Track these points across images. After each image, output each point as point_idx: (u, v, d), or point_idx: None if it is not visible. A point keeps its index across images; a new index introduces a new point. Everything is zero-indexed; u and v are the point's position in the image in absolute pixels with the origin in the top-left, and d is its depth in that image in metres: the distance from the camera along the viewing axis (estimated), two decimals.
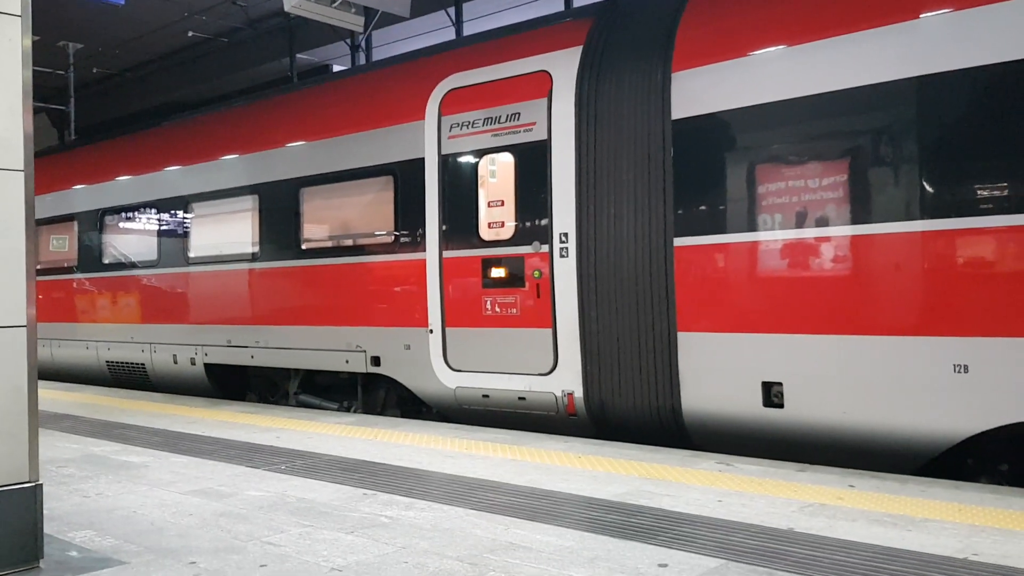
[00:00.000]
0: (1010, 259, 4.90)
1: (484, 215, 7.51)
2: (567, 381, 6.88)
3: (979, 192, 5.00)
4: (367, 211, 8.43)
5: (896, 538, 3.82)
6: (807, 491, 4.72)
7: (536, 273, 7.04)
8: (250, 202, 9.53)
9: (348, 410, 8.83)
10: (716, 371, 6.05)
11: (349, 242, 8.57)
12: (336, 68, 21.26)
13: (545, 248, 7.00)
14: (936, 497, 4.52)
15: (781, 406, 5.75)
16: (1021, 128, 4.87)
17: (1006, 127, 4.92)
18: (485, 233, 7.46)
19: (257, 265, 9.40)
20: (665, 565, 3.56)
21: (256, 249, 9.41)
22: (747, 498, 4.61)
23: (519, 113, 7.27)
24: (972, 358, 4.96)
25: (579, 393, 6.81)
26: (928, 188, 5.18)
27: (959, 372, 5.01)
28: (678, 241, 6.23)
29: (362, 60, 19.70)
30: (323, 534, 4.14)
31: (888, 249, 5.29)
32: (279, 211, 9.17)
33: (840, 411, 5.48)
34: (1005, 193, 4.92)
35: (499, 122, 7.40)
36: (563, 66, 7.04)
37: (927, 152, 5.19)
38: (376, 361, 8.16)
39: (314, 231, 8.94)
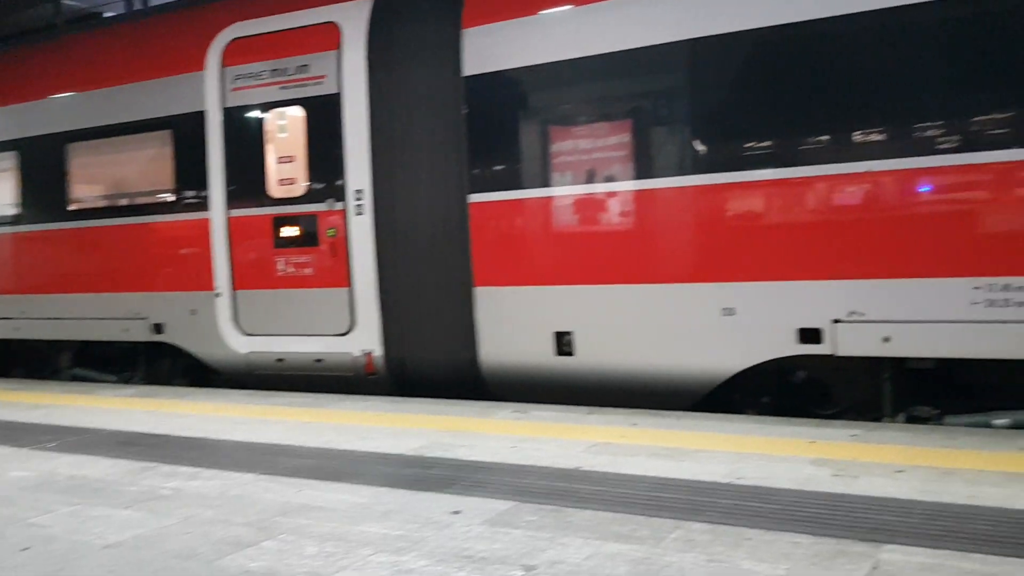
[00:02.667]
0: (771, 210, 5.30)
1: (274, 172, 7.21)
2: (366, 340, 6.79)
3: (743, 148, 5.36)
4: (143, 168, 7.85)
5: (672, 469, 4.08)
6: (595, 432, 4.94)
7: (331, 231, 6.86)
8: (9, 159, 8.63)
9: (128, 382, 8.28)
10: (511, 323, 6.18)
11: (124, 202, 7.97)
12: (108, 15, 19.56)
13: (340, 205, 6.83)
14: (708, 430, 4.87)
15: (572, 354, 5.97)
16: (783, 88, 5.25)
17: (769, 87, 5.29)
18: (275, 191, 7.16)
19: (20, 229, 8.55)
20: (458, 512, 3.60)
21: (18, 211, 8.56)
22: (540, 443, 4.76)
23: (308, 65, 7.00)
24: (738, 302, 5.36)
25: (379, 352, 6.75)
26: (698, 145, 5.49)
27: (727, 315, 5.40)
28: (473, 197, 6.26)
29: (138, 7, 18.22)
30: (96, 511, 3.86)
31: (665, 203, 5.58)
32: (43, 168, 8.36)
33: (625, 356, 5.77)
34: (765, 149, 5.31)
35: (287, 74, 7.10)
36: (353, 17, 6.84)
37: (698, 111, 5.49)
38: (158, 328, 7.68)
39: (84, 190, 8.23)
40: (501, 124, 6.16)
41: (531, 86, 6.07)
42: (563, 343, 6.02)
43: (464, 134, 6.27)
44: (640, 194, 5.67)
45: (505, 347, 6.22)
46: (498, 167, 6.18)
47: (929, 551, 2.91)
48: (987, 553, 2.87)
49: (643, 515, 3.43)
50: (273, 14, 7.23)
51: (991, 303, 4.75)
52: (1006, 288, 4.72)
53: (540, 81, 6.02)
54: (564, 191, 5.94)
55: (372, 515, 3.63)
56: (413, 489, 3.98)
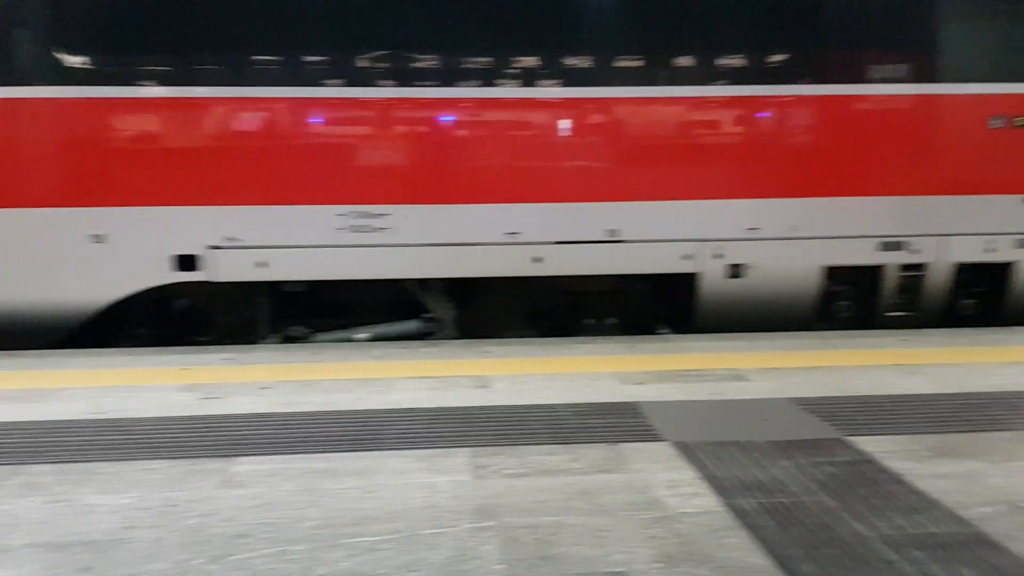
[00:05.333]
0: (145, 131, 5.02)
1: None
2: None
3: (115, 62, 4.95)
4: None
5: (26, 411, 3.65)
6: None
7: None
8: None
9: None
10: None
11: None
12: None
13: None
14: (73, 367, 4.48)
15: None
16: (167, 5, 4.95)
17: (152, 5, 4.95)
18: None
19: None
20: None
21: None
22: None
23: None
24: (109, 228, 5.00)
25: None
26: (62, 54, 4.92)
27: (97, 242, 5.01)
28: None
29: None
30: None
31: (21, 115, 4.91)
32: None
33: None
34: (142, 65, 4.97)
35: None
36: None
37: (64, 16, 4.90)
38: None
39: None
40: None
41: None
42: None
43: None
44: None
45: None
46: None
47: (274, 457, 3.08)
48: (330, 452, 3.14)
49: None
50: None
51: (353, 229, 5.20)
52: (365, 215, 5.22)
53: None
54: None
55: None
56: None
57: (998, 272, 5.65)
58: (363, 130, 5.21)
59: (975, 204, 5.53)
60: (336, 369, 4.42)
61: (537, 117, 5.27)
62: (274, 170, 5.10)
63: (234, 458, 3.08)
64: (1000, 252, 5.58)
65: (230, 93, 5.03)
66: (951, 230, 5.54)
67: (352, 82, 5.12)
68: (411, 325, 5.52)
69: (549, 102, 5.24)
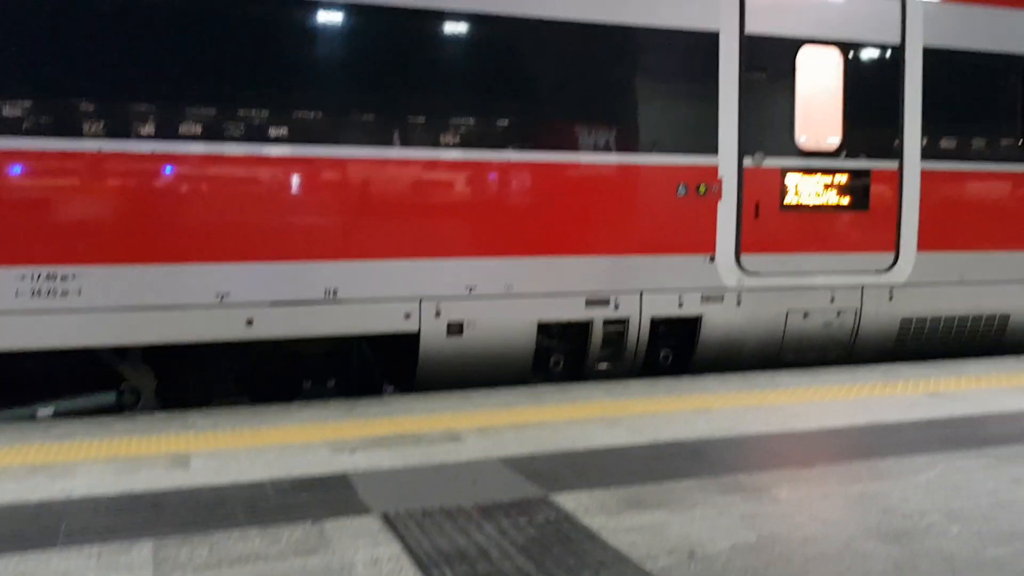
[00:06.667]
0: None
1: None
2: None
3: None
4: None
5: None
6: None
7: None
8: None
9: None
10: None
11: None
12: None
13: None
14: None
15: None
16: None
17: None
18: None
19: None
20: None
21: None
22: None
23: None
24: None
25: None
26: None
27: None
28: None
29: None
30: None
31: None
32: None
33: None
34: None
35: None
36: None
37: None
38: None
39: None
40: None
41: None
42: None
43: None
44: None
45: None
46: None
47: None
48: None
49: None
50: None
51: (35, 292, 4.66)
52: (51, 277, 4.70)
53: None
54: None
55: None
56: None
57: (688, 325, 6.19)
58: (47, 183, 4.72)
59: (668, 263, 6.04)
60: (5, 454, 3.88)
61: (250, 173, 5.06)
62: None
63: None
64: (689, 307, 6.13)
65: None
66: (648, 287, 6.00)
67: (33, 131, 4.63)
68: (104, 398, 5.02)
69: (263, 159, 5.06)
